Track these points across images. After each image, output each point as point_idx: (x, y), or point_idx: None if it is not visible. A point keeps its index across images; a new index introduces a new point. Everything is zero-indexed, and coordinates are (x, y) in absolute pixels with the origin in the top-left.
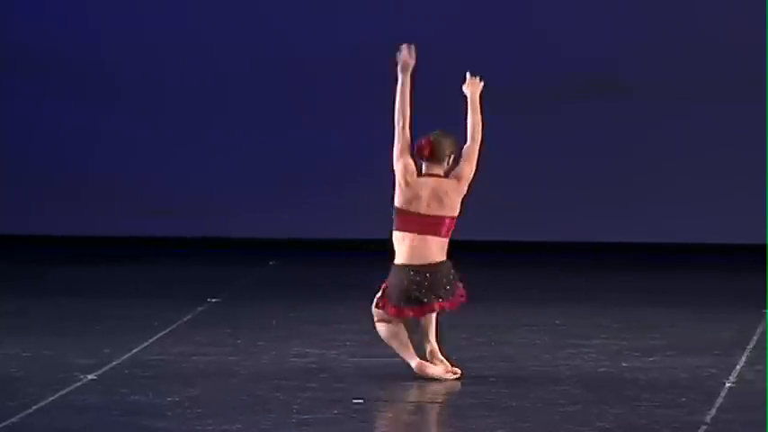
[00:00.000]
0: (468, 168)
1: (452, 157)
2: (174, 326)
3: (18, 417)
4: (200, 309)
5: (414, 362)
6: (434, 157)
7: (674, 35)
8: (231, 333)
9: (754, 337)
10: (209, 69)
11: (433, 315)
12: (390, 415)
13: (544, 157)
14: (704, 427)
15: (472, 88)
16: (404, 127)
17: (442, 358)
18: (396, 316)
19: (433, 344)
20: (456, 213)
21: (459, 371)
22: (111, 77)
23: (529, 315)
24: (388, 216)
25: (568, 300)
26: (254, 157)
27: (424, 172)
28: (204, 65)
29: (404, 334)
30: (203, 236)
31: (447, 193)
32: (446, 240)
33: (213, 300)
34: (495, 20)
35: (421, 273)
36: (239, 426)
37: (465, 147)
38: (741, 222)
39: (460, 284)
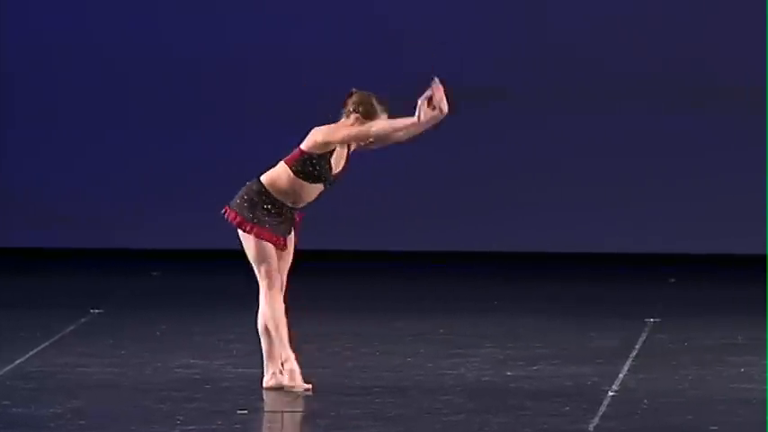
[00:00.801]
0: (334, 129)
1: (355, 116)
2: (56, 337)
3: None
4: (83, 320)
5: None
6: (344, 105)
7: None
8: (115, 344)
9: (637, 346)
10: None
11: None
12: (275, 425)
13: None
14: None
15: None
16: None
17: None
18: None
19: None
20: (304, 147)
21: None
22: (4, 81)
23: (414, 325)
24: None
25: (452, 309)
26: (136, 168)
27: None
28: (87, 75)
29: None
30: (85, 246)
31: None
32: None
33: (96, 311)
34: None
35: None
36: None
37: (377, 122)
38: (626, 233)
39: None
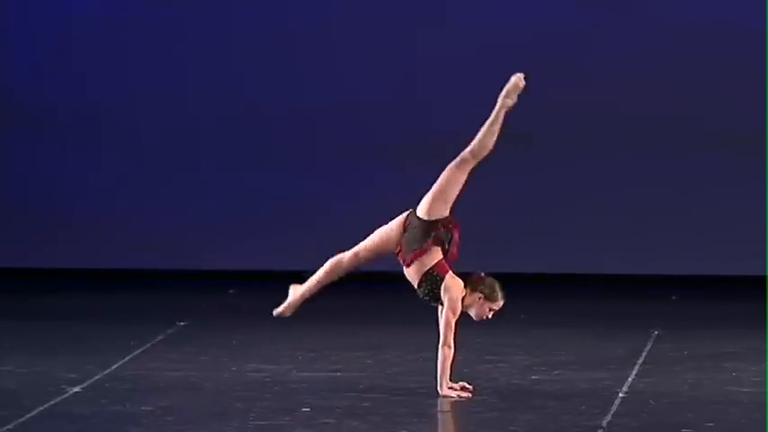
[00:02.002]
0: (455, 308)
1: (479, 295)
2: (148, 345)
3: (12, 424)
4: (170, 331)
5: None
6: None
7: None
8: (197, 351)
9: (643, 354)
10: (180, 122)
11: None
12: (333, 422)
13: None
14: (601, 430)
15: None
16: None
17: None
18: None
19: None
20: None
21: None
22: (96, 127)
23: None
24: (328, 252)
25: (485, 323)
26: (216, 201)
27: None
28: (174, 118)
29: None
30: (173, 268)
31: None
32: None
33: (182, 323)
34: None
35: None
36: (204, 431)
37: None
38: (634, 256)
39: None
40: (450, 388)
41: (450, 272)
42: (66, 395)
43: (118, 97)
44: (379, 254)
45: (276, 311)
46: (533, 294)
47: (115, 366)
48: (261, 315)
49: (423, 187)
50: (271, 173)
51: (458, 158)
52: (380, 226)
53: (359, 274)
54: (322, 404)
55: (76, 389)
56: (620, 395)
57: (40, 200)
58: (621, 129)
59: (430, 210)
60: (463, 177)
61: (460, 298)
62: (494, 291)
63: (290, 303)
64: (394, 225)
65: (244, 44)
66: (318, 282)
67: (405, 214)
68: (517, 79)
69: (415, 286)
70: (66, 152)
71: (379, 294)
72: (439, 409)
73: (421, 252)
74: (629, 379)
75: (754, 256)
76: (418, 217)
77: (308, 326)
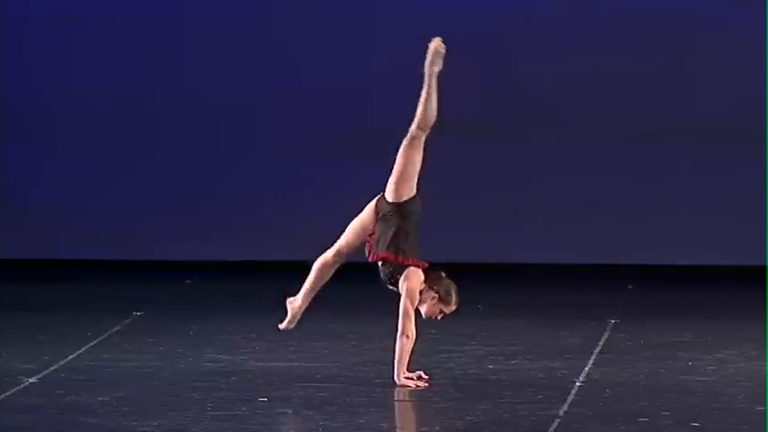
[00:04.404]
0: (412, 299)
1: (433, 294)
2: (104, 336)
3: None
4: (126, 321)
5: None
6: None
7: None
8: (154, 342)
9: (600, 344)
10: (132, 112)
11: None
12: (290, 411)
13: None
14: (558, 420)
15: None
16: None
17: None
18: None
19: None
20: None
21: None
22: (48, 117)
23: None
24: (284, 241)
25: None
26: (169, 193)
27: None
28: (126, 108)
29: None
30: (128, 259)
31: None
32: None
33: (138, 313)
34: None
35: None
36: (161, 421)
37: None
38: (589, 245)
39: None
40: (406, 378)
41: (416, 263)
42: (22, 386)
43: (69, 87)
44: (360, 245)
45: (281, 327)
46: (489, 284)
47: (71, 357)
48: (217, 305)
49: (374, 174)
50: (224, 163)
51: (408, 136)
52: (336, 214)
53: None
54: (279, 394)
55: (32, 380)
56: (577, 384)
57: None
58: (575, 116)
59: (397, 192)
60: (419, 153)
61: (417, 289)
62: (449, 294)
63: (292, 317)
64: (366, 214)
65: (198, 34)
66: (312, 288)
67: (374, 200)
68: (436, 45)
69: (380, 264)
70: (19, 142)
71: (336, 284)
72: (396, 398)
73: (397, 259)
74: (586, 368)
75: (709, 246)
76: (388, 201)
77: (265, 316)
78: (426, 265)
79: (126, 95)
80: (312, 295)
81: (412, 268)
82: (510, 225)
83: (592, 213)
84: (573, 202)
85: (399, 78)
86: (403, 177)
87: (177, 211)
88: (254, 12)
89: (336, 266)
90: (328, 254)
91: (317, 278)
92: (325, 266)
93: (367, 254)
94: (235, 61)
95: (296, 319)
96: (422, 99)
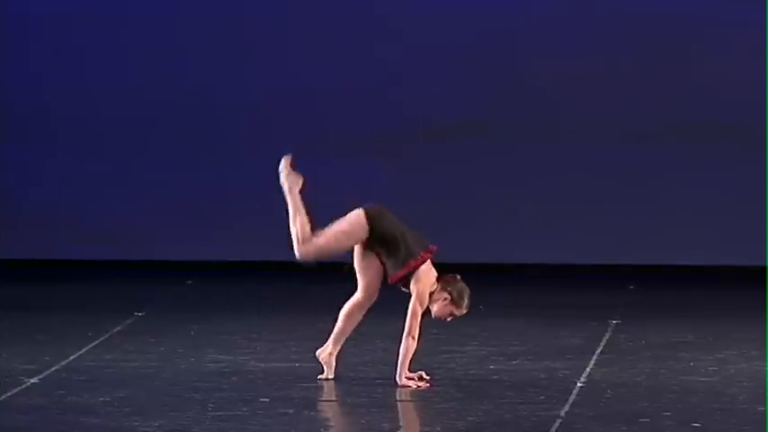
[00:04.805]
0: (422, 299)
1: (446, 296)
2: (105, 336)
3: None
4: (128, 321)
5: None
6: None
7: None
8: (155, 342)
9: (601, 344)
10: (134, 111)
11: None
12: (291, 412)
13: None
14: (559, 420)
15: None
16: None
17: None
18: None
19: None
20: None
21: None
22: (48, 117)
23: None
24: (285, 241)
25: None
26: (171, 194)
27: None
28: (128, 108)
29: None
30: (129, 259)
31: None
32: None
33: (139, 314)
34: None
35: None
36: (162, 422)
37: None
38: (590, 246)
39: None
40: (408, 378)
41: (429, 262)
42: (23, 386)
43: (69, 87)
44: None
45: (321, 378)
46: (490, 284)
47: (72, 357)
48: (218, 305)
49: (375, 174)
50: (224, 163)
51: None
52: (337, 214)
53: (317, 266)
54: (280, 394)
55: (34, 380)
56: (579, 385)
57: None
58: (575, 116)
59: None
60: (326, 231)
61: (428, 291)
62: (462, 298)
63: (329, 368)
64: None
65: (197, 34)
66: (343, 332)
67: (360, 214)
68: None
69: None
70: (18, 141)
71: (336, 285)
72: (397, 398)
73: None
74: (587, 369)
75: (709, 246)
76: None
77: (266, 316)
78: (436, 248)
79: (126, 95)
80: (343, 339)
81: (423, 269)
82: (510, 225)
83: (592, 213)
84: (573, 202)
85: (400, 79)
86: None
87: (177, 210)
88: (254, 12)
89: (370, 303)
90: (358, 298)
91: (348, 323)
92: (355, 309)
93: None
94: (234, 61)
95: (332, 367)
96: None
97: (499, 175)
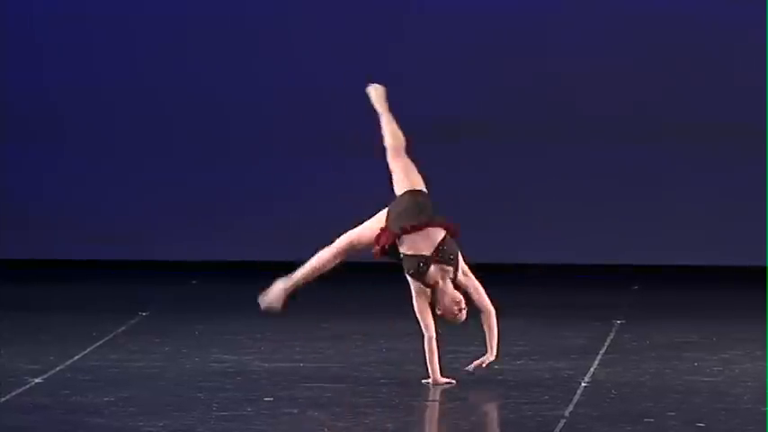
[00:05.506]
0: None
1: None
2: (110, 336)
3: None
4: (132, 321)
5: None
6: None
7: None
8: (159, 342)
9: (605, 344)
10: (140, 112)
11: None
12: (296, 412)
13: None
14: (563, 420)
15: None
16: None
17: None
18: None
19: None
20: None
21: None
22: (56, 118)
23: (413, 326)
24: (290, 241)
25: None
26: (176, 194)
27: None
28: (134, 109)
29: None
30: (133, 259)
31: None
32: None
33: (144, 313)
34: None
35: None
36: (166, 422)
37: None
38: (595, 246)
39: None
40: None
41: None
42: (27, 386)
43: (78, 88)
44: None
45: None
46: (492, 284)
47: (77, 357)
48: (222, 305)
49: (378, 174)
50: (230, 163)
51: (388, 153)
52: (342, 214)
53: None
54: (284, 394)
55: (38, 380)
56: (583, 385)
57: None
58: (575, 116)
59: (413, 185)
60: (405, 160)
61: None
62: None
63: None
64: (375, 221)
65: (204, 34)
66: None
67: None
68: (374, 90)
69: (428, 254)
70: (21, 142)
71: (341, 285)
72: (402, 398)
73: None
74: (592, 369)
75: (709, 246)
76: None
77: (270, 316)
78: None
79: (130, 96)
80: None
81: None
82: (510, 225)
83: (592, 213)
84: (573, 202)
85: (405, 79)
86: (407, 180)
87: (182, 211)
88: (262, 13)
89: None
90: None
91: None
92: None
93: (392, 238)
94: (241, 62)
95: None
96: (384, 126)
97: (499, 176)
